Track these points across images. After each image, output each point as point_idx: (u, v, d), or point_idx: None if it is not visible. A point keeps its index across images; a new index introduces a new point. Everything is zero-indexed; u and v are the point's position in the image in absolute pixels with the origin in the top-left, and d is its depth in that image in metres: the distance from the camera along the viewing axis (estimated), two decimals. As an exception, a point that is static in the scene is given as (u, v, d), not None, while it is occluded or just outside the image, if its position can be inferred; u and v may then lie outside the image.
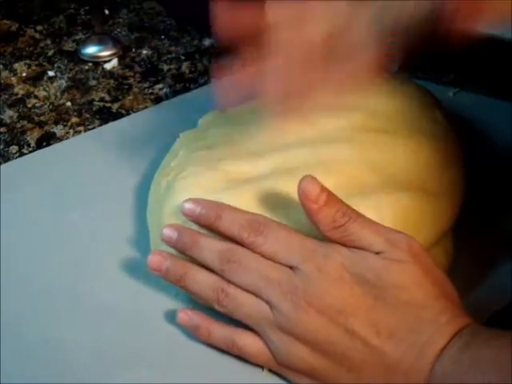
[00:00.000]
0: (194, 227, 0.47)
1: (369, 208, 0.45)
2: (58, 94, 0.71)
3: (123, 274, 0.52)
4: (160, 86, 0.73)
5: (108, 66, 0.75)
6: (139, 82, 0.73)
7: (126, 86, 0.73)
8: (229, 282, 0.45)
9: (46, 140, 0.66)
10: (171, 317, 0.48)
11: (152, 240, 0.52)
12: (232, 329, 0.46)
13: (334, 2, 0.48)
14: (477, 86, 0.68)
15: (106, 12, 0.82)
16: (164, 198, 0.51)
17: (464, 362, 0.40)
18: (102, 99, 0.71)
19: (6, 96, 0.71)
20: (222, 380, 0.46)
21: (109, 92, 0.72)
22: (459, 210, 0.51)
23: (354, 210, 0.44)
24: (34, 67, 0.75)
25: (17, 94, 0.71)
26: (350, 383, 0.43)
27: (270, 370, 0.46)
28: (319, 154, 0.50)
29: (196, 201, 0.47)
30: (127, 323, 0.49)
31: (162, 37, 0.80)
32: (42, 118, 0.68)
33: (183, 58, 0.77)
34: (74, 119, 0.68)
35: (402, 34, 0.46)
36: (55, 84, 0.73)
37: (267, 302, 0.44)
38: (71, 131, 0.67)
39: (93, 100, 0.71)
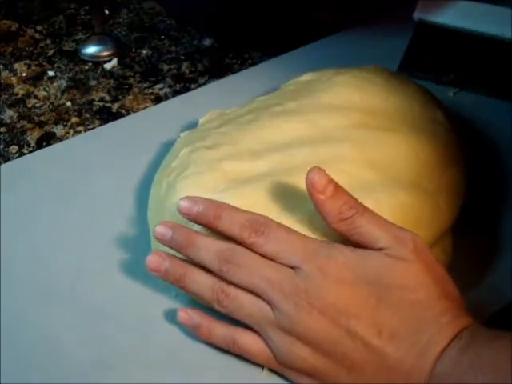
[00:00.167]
0: (196, 227, 0.47)
1: (368, 206, 0.45)
2: (58, 94, 0.71)
3: (123, 274, 0.52)
4: (160, 85, 0.73)
5: (108, 66, 0.75)
6: (139, 81, 0.73)
7: (126, 86, 0.72)
8: (228, 282, 0.45)
9: (46, 140, 0.66)
10: (171, 317, 0.48)
11: (152, 240, 0.52)
12: (232, 328, 0.46)
13: None
14: (477, 86, 0.68)
15: (106, 12, 0.82)
16: (165, 199, 0.51)
17: (464, 362, 0.40)
18: (101, 99, 0.71)
19: (6, 96, 0.71)
20: (222, 380, 0.46)
21: (109, 92, 0.72)
22: (459, 210, 0.51)
23: (361, 203, 0.44)
24: (33, 67, 0.75)
25: (17, 94, 0.71)
26: (350, 383, 0.43)
27: (271, 370, 0.46)
28: (319, 153, 0.50)
29: (194, 199, 0.47)
30: (127, 323, 0.49)
31: (162, 37, 0.80)
32: (41, 118, 0.68)
33: (183, 58, 0.77)
34: (74, 119, 0.68)
35: None
36: (55, 84, 0.73)
37: (268, 303, 0.44)
38: (71, 131, 0.67)
39: (93, 100, 0.70)
